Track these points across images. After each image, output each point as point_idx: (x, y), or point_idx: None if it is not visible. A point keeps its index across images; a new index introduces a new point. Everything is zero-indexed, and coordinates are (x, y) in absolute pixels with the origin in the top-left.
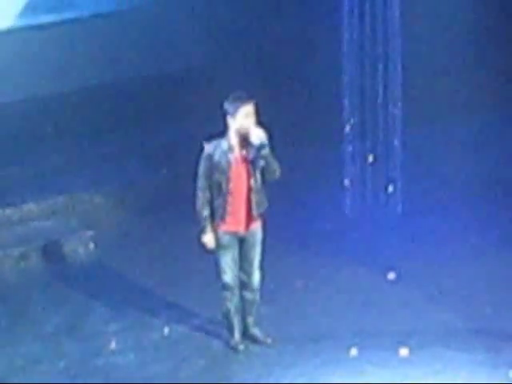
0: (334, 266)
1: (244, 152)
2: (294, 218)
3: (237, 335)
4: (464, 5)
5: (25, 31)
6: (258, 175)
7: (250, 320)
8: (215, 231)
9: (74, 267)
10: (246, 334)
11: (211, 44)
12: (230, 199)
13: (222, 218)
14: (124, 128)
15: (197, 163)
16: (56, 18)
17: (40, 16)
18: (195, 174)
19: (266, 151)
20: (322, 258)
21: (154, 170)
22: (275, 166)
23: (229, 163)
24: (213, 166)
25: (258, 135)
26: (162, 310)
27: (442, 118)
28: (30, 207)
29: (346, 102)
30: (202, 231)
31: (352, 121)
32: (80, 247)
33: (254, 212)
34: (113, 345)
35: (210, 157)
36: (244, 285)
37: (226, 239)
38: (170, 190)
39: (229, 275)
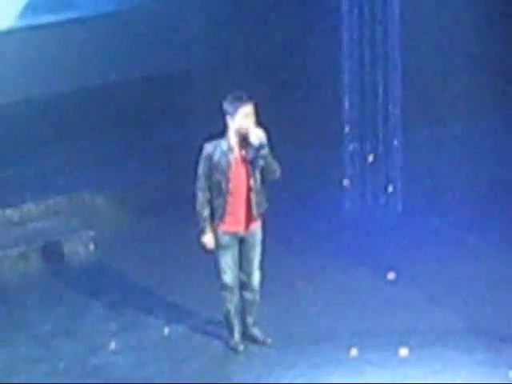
0: (334, 266)
1: (243, 152)
2: (294, 218)
3: (236, 335)
4: (464, 4)
5: (25, 31)
6: (258, 175)
7: (250, 320)
8: (215, 231)
9: (73, 268)
10: (245, 334)
11: (211, 44)
12: (229, 199)
13: (222, 218)
14: (124, 128)
15: (196, 163)
16: (56, 18)
17: (40, 16)
18: (195, 175)
19: (265, 151)
20: (322, 258)
21: (154, 170)
22: (275, 166)
23: (228, 163)
24: (212, 167)
25: (257, 135)
26: (162, 310)
27: (441, 119)
28: (30, 207)
29: (345, 102)
30: (201, 231)
31: (352, 121)
32: (80, 248)
33: (254, 212)
34: (113, 345)
35: (210, 157)
36: (244, 285)
37: (225, 239)
38: (170, 190)
39: (228, 275)
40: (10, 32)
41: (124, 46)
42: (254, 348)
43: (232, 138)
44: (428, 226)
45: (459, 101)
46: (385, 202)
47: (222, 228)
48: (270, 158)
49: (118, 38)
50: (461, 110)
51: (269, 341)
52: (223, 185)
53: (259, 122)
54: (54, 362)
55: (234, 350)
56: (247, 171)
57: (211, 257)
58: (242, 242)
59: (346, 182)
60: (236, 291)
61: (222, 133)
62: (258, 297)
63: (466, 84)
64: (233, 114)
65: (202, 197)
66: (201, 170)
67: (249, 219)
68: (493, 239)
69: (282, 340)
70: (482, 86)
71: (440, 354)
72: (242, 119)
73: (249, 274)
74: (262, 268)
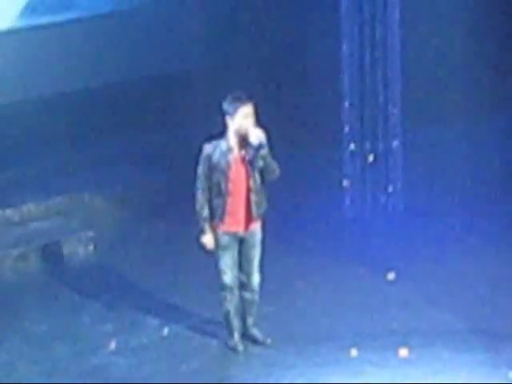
0: (334, 266)
1: (243, 152)
2: (293, 218)
3: (236, 336)
4: (464, 4)
5: (25, 31)
6: (258, 175)
7: (250, 320)
8: (215, 232)
9: (73, 268)
10: (245, 334)
11: (211, 44)
12: (229, 199)
13: (222, 219)
14: (124, 128)
15: (196, 164)
16: (56, 18)
17: (40, 16)
18: (195, 175)
19: (264, 151)
20: (322, 257)
21: (153, 170)
22: (274, 166)
23: (228, 164)
24: (212, 167)
25: (257, 135)
26: (161, 311)
27: (441, 119)
28: (30, 208)
29: (345, 102)
30: (201, 232)
31: (352, 121)
32: (79, 248)
33: (254, 212)
34: (112, 345)
35: (210, 157)
36: (243, 285)
37: (225, 239)
38: (170, 190)
39: (228, 276)
40: (9, 32)
41: (124, 46)
42: (253, 348)
43: (231, 139)
44: (428, 226)
45: (459, 101)
46: (385, 202)
47: (221, 228)
48: (269, 158)
49: (117, 38)
50: (461, 110)
51: (268, 341)
52: (223, 185)
53: (259, 122)
54: (54, 362)
55: (234, 350)
56: (247, 171)
57: (211, 257)
58: (241, 242)
59: (345, 182)
60: (236, 291)
61: (222, 133)
62: (257, 297)
63: (466, 84)
64: (232, 115)
65: (201, 197)
66: (200, 170)
67: (248, 219)
68: (493, 239)
69: (282, 340)
70: (482, 86)
71: (440, 354)
72: (242, 119)
73: (248, 275)
74: (261, 268)
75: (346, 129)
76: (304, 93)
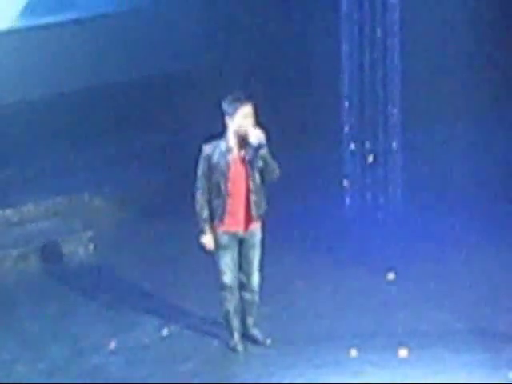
0: (334, 266)
1: (243, 152)
2: (294, 218)
3: (236, 336)
4: (463, 5)
5: (25, 32)
6: (257, 176)
7: (250, 321)
8: (214, 232)
9: (72, 268)
10: (245, 334)
11: (211, 44)
12: (229, 200)
13: (221, 219)
14: (124, 128)
15: (196, 164)
16: (56, 18)
17: (40, 17)
18: (195, 175)
19: (264, 151)
20: (322, 257)
21: (153, 171)
22: (274, 166)
23: (228, 164)
24: (212, 167)
25: (256, 135)
26: (161, 311)
27: (441, 118)
28: (30, 208)
29: (345, 102)
30: (201, 232)
31: (351, 121)
32: (79, 248)
33: (253, 212)
34: (112, 345)
35: (209, 158)
36: (243, 285)
37: (225, 240)
38: (170, 191)
39: (228, 276)
40: (9, 32)
41: (124, 46)
42: (253, 348)
43: (231, 139)
44: (428, 226)
45: (459, 101)
46: (385, 202)
47: (221, 228)
48: (269, 159)
49: (117, 38)
50: (461, 110)
51: (268, 341)
52: (222, 185)
53: (258, 123)
54: (53, 361)
55: (234, 350)
56: (246, 172)
57: (211, 257)
58: (241, 242)
59: (345, 182)
60: (236, 292)
61: (222, 133)
62: (257, 297)
63: (466, 84)
64: (232, 115)
65: (201, 198)
66: (200, 170)
67: (248, 220)
68: (493, 239)
69: (282, 340)
70: (481, 86)
71: (440, 355)
72: (241, 119)
73: (248, 275)
74: (261, 268)
75: (346, 129)
76: (304, 93)
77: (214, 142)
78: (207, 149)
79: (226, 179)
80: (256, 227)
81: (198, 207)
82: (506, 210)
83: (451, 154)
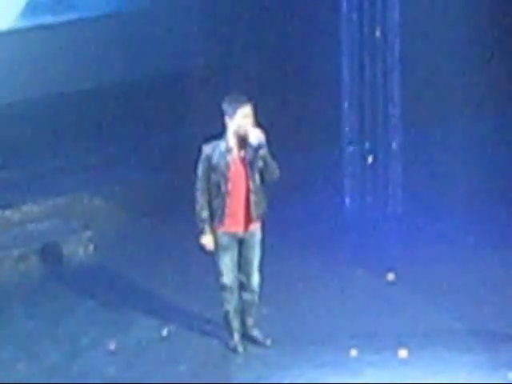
0: (334, 266)
1: (242, 153)
2: (293, 218)
3: (236, 336)
4: (464, 5)
5: (25, 32)
6: (257, 176)
7: (250, 321)
8: (214, 232)
9: (72, 268)
10: (245, 335)
11: (211, 44)
12: (228, 200)
13: (221, 219)
14: (123, 129)
15: (196, 164)
16: (56, 19)
17: (40, 17)
18: (194, 175)
19: (264, 152)
20: (322, 258)
21: (153, 171)
22: (274, 167)
23: (227, 164)
24: (211, 168)
25: (256, 136)
26: (161, 311)
27: (441, 118)
28: (30, 208)
29: (345, 102)
30: (201, 232)
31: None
32: (79, 248)
33: (253, 213)
34: (112, 345)
35: (209, 158)
36: (243, 286)
37: (225, 240)
38: (170, 191)
39: (228, 276)
40: (10, 32)
41: (124, 47)
42: (253, 349)
43: (231, 139)
44: (428, 227)
45: (459, 101)
46: (385, 202)
47: (221, 229)
48: (268, 159)
49: (117, 38)
50: (461, 110)
51: (268, 342)
52: (222, 186)
53: (258, 123)
54: (53, 361)
55: (234, 350)
56: (246, 172)
57: (210, 258)
58: (241, 242)
59: (345, 182)
60: (235, 292)
61: (222, 133)
62: (257, 298)
63: (466, 84)
64: (232, 115)
65: (201, 198)
66: (200, 171)
67: (248, 220)
68: (493, 239)
69: (282, 341)
70: (481, 86)
71: (439, 355)
72: (241, 120)
73: (248, 275)
74: (261, 268)
75: (346, 129)
76: (304, 93)
77: (214, 143)
78: (207, 149)
79: (226, 179)
80: (256, 227)
81: (197, 207)
82: (506, 210)
83: (451, 154)
